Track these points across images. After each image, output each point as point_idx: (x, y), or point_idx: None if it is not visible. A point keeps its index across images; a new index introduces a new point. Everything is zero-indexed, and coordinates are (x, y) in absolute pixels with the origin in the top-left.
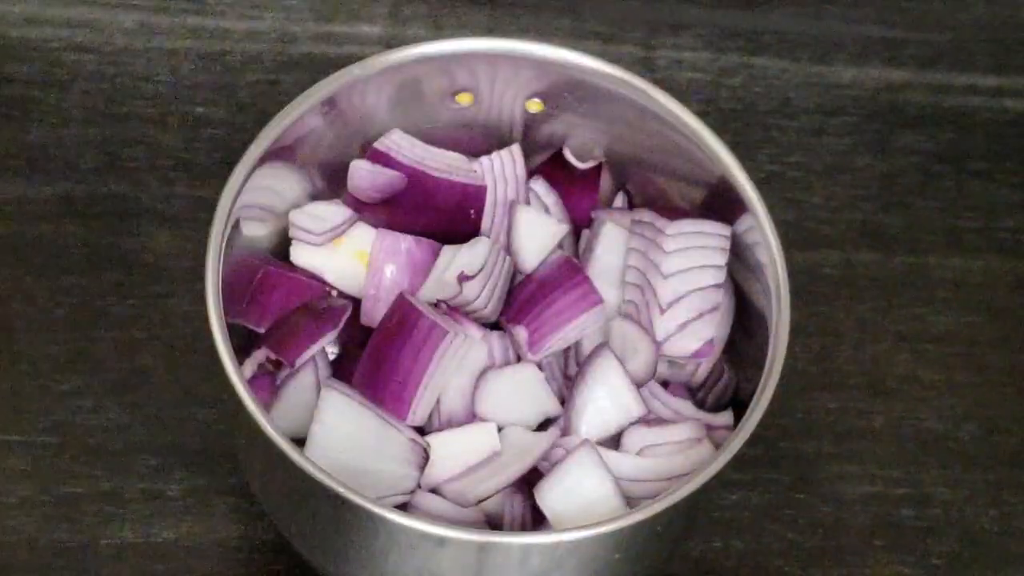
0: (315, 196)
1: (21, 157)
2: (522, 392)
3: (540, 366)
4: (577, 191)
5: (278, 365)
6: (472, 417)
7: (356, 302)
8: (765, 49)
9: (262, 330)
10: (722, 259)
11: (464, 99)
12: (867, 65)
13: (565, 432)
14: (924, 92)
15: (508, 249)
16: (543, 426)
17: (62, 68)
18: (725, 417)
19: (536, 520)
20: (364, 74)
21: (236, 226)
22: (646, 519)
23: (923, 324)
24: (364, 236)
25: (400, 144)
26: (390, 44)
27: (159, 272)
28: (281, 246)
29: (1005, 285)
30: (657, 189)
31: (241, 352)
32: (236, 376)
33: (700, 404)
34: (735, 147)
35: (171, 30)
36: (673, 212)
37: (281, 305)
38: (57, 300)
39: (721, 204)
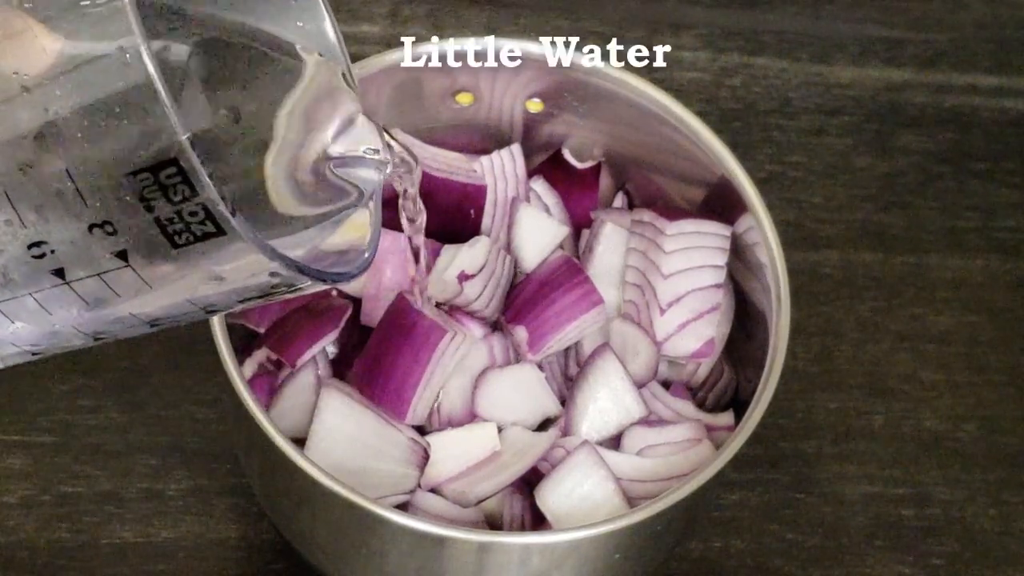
0: None
1: None
2: (522, 392)
3: (540, 366)
4: (577, 191)
5: (278, 365)
6: (472, 417)
7: (356, 302)
8: (765, 49)
9: (262, 330)
10: (722, 259)
11: (464, 99)
12: (867, 65)
13: (565, 432)
14: (924, 92)
15: (509, 248)
16: (543, 426)
17: None
18: (725, 417)
19: (536, 520)
20: (364, 74)
21: None
22: (646, 519)
23: (923, 324)
24: None
25: None
26: (390, 44)
27: None
28: None
29: (1005, 285)
30: (657, 189)
31: (241, 352)
32: (236, 376)
33: (700, 404)
34: (735, 147)
35: None
36: (673, 212)
37: (281, 305)
38: None
39: (721, 204)
